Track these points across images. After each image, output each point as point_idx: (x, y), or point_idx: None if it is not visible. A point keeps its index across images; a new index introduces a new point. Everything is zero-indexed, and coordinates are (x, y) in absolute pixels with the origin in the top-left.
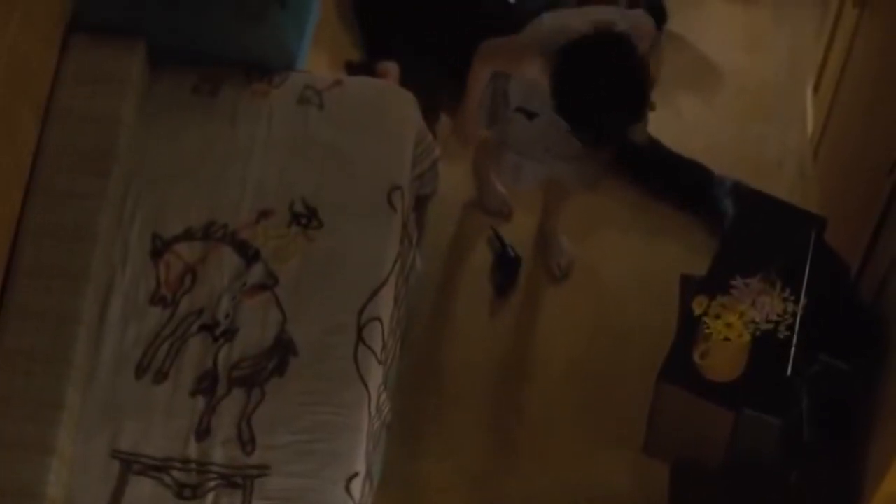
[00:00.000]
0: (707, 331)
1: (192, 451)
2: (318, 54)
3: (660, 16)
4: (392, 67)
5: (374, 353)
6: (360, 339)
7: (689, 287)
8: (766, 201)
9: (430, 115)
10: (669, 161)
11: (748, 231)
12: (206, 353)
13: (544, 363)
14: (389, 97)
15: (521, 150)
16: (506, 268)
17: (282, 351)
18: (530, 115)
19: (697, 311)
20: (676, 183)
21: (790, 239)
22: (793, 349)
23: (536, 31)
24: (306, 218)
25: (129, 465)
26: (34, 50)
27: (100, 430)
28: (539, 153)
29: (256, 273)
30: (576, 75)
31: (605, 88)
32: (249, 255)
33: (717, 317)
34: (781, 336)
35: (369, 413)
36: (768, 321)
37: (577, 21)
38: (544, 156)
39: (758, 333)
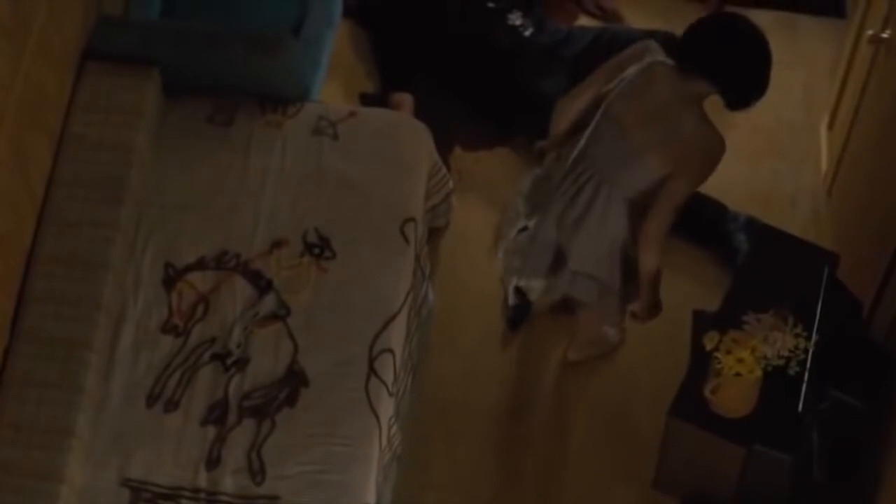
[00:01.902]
0: (718, 366)
1: (202, 480)
2: (333, 85)
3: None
4: (406, 99)
5: (385, 384)
6: (371, 370)
7: (701, 322)
8: (780, 237)
9: (443, 147)
10: None
11: (761, 267)
12: (217, 383)
13: (555, 397)
14: (404, 129)
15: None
16: (518, 302)
17: (293, 381)
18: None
19: (709, 346)
20: (690, 218)
21: (803, 275)
22: (804, 385)
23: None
24: (319, 248)
25: (139, 493)
26: (49, 78)
27: (110, 459)
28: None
29: (269, 303)
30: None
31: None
32: (262, 285)
33: (729, 352)
34: (793, 372)
35: (380, 445)
36: (780, 357)
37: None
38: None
39: (769, 369)
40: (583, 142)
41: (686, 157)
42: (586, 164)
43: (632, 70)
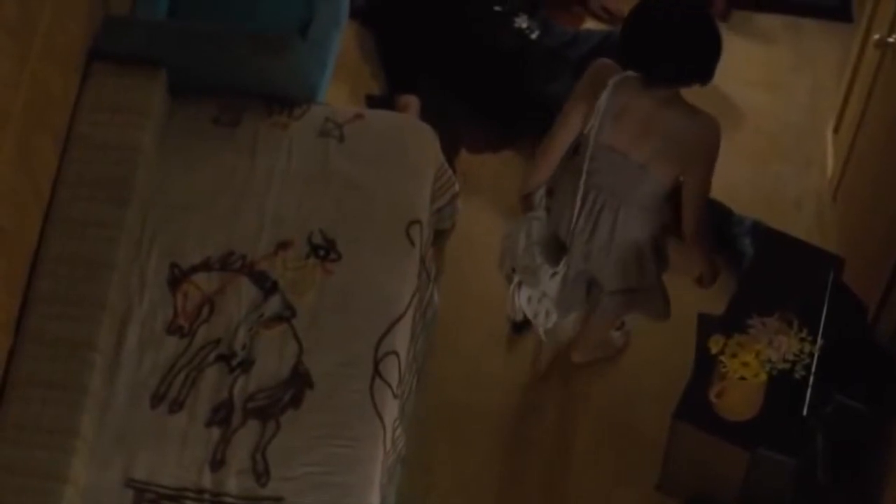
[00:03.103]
0: (723, 369)
1: (207, 481)
2: (339, 87)
3: None
4: (412, 101)
5: (390, 386)
6: (376, 372)
7: (706, 325)
8: (785, 241)
9: (449, 149)
10: None
11: (766, 270)
12: (222, 384)
13: (559, 400)
14: (410, 131)
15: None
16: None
17: (298, 383)
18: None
19: (714, 349)
20: None
21: (808, 279)
22: (809, 389)
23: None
24: (324, 250)
25: (143, 494)
26: (55, 78)
27: (114, 459)
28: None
29: (274, 304)
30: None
31: (679, 21)
32: (267, 286)
33: (734, 356)
34: (798, 376)
35: (384, 446)
36: (784, 361)
37: None
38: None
39: (774, 373)
40: (583, 180)
41: (690, 153)
42: (594, 194)
43: (602, 98)
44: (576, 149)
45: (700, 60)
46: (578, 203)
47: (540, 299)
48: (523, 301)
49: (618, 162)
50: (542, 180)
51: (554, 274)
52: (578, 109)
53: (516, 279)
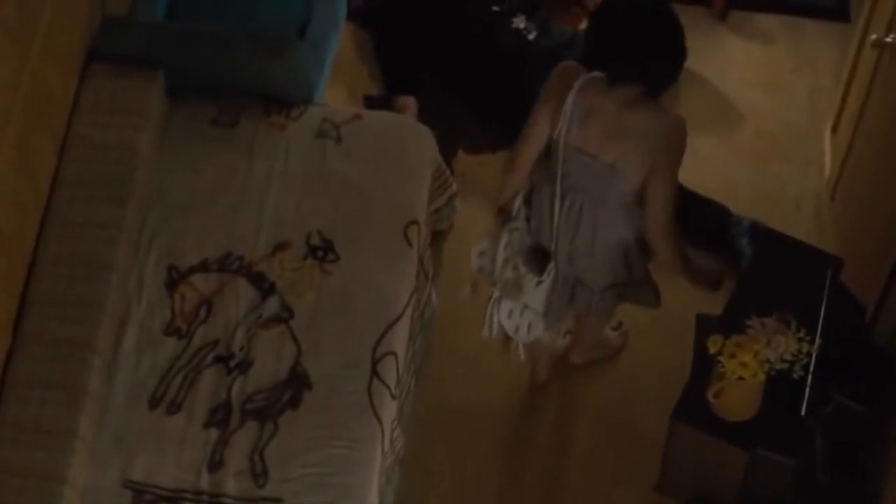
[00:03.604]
0: (722, 370)
1: (205, 482)
2: (337, 88)
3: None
4: (410, 102)
5: (388, 387)
6: (374, 373)
7: (705, 326)
8: (783, 241)
9: (447, 149)
10: (686, 200)
11: (765, 271)
12: (220, 385)
13: (558, 400)
14: (407, 132)
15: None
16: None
17: (296, 384)
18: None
19: (712, 349)
20: (694, 222)
21: (806, 279)
22: (807, 389)
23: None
24: (322, 251)
25: (141, 495)
26: (54, 79)
27: (112, 460)
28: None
29: (272, 305)
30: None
31: (640, 21)
32: (265, 287)
33: (732, 356)
34: (796, 376)
35: (382, 448)
36: (783, 361)
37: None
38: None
39: (772, 373)
40: (558, 184)
41: (657, 151)
42: (571, 197)
43: (568, 101)
44: (547, 152)
45: (660, 60)
46: (557, 206)
47: (522, 312)
48: (503, 316)
49: (588, 163)
50: (518, 186)
51: (539, 282)
52: (546, 113)
53: (495, 295)
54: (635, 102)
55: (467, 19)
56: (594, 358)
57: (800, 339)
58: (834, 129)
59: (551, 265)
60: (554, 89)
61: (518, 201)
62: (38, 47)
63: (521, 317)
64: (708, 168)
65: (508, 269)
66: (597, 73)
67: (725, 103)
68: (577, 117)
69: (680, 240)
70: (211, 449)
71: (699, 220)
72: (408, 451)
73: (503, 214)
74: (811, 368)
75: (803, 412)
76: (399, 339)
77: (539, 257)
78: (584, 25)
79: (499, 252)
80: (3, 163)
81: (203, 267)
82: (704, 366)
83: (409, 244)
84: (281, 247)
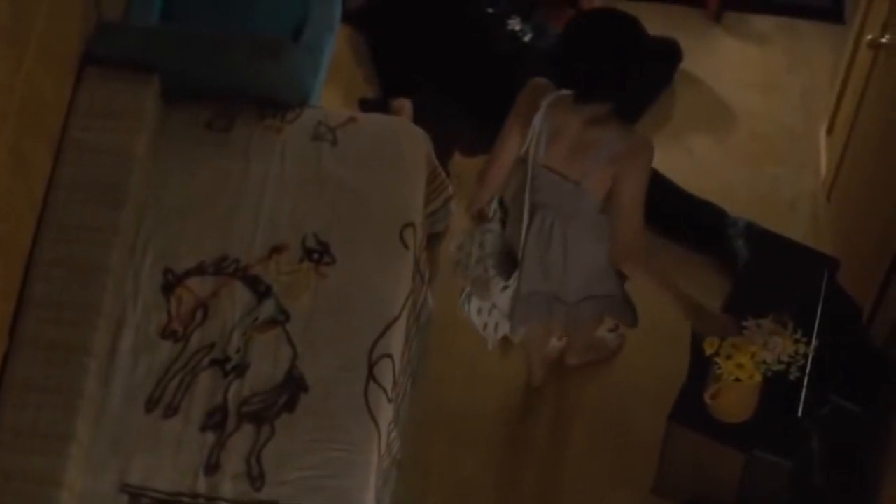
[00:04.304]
0: (718, 371)
1: (202, 485)
2: (332, 90)
3: (675, 55)
4: (406, 104)
5: (384, 390)
6: (370, 376)
7: None
8: (779, 242)
9: (443, 152)
10: (682, 201)
11: (761, 272)
12: (216, 388)
13: (555, 402)
14: (403, 134)
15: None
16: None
17: (292, 387)
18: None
19: (709, 351)
20: (689, 223)
21: (803, 280)
22: (804, 391)
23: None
24: (318, 254)
25: (138, 499)
26: (48, 83)
27: (109, 464)
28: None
29: (268, 308)
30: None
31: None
32: (261, 290)
33: (729, 357)
34: (793, 377)
35: (379, 450)
36: (780, 362)
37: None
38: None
39: (769, 374)
40: (527, 201)
41: (619, 168)
42: (542, 213)
43: (536, 120)
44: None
45: (626, 80)
46: (525, 222)
47: (490, 311)
48: (473, 312)
49: (556, 181)
50: (486, 200)
51: (505, 287)
52: (515, 130)
53: (466, 290)
54: (602, 121)
55: (462, 21)
56: (590, 359)
57: (796, 341)
58: (829, 131)
59: (517, 273)
60: (523, 106)
61: (493, 204)
62: (33, 51)
63: (490, 315)
64: (703, 169)
65: (479, 268)
66: (566, 91)
67: (721, 104)
68: (545, 135)
69: (652, 263)
70: (207, 452)
71: (695, 222)
72: (405, 453)
73: (479, 216)
74: (808, 370)
75: (800, 413)
76: (395, 342)
77: (509, 262)
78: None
79: (473, 250)
80: None
81: (199, 270)
82: (701, 367)
83: (406, 246)
84: (277, 249)
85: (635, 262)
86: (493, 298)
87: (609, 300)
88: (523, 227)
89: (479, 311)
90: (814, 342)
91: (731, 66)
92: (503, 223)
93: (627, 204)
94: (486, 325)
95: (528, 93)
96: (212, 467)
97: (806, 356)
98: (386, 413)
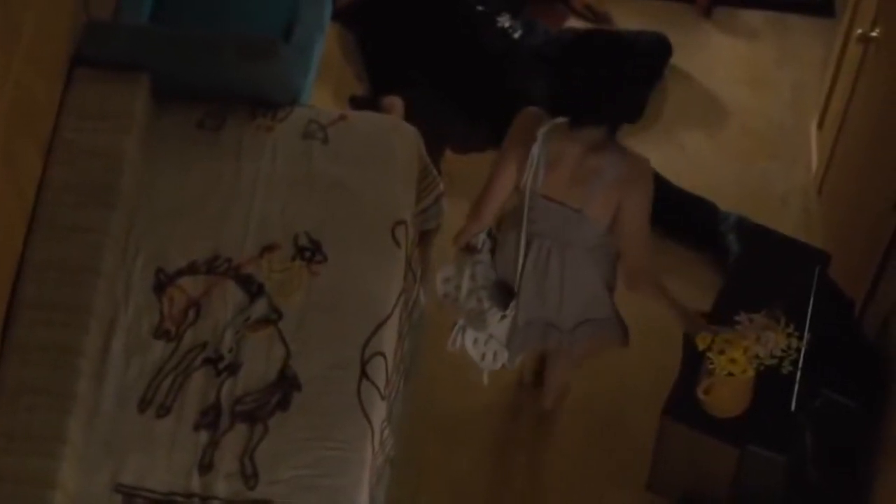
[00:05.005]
0: (711, 366)
1: (195, 485)
2: (323, 89)
3: (664, 50)
4: (396, 102)
5: (377, 388)
6: (363, 374)
7: None
8: (771, 237)
9: (434, 149)
10: (674, 197)
11: (752, 267)
12: (209, 387)
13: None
14: (394, 132)
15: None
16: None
17: (285, 385)
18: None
19: (701, 346)
20: (681, 219)
21: (794, 275)
22: (797, 385)
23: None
24: (310, 252)
25: (132, 499)
26: (38, 84)
27: (102, 464)
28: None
29: (260, 307)
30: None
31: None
32: (253, 289)
33: (721, 352)
34: (785, 372)
35: (372, 448)
36: (772, 357)
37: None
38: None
39: (762, 369)
40: (524, 231)
41: (624, 193)
42: (538, 242)
43: (534, 151)
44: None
45: (620, 105)
46: (522, 253)
47: (487, 341)
48: (469, 343)
49: (555, 209)
50: (479, 231)
51: (503, 317)
52: (511, 162)
53: (460, 323)
54: (600, 146)
55: (452, 18)
56: (562, 399)
57: (789, 335)
58: (820, 125)
59: (514, 302)
60: (517, 137)
61: (482, 235)
62: (22, 53)
63: (486, 346)
64: (694, 165)
65: (472, 300)
66: (560, 120)
67: (711, 100)
68: (542, 165)
69: (661, 285)
70: (201, 451)
71: (687, 218)
72: (398, 451)
73: (467, 249)
74: (800, 364)
75: (793, 408)
76: (388, 340)
77: (503, 292)
78: (569, 23)
79: (463, 282)
80: None
81: (191, 269)
82: (693, 363)
83: (397, 244)
84: (269, 248)
85: (649, 283)
86: (490, 329)
87: (603, 322)
88: (520, 256)
89: (476, 342)
90: (806, 336)
91: (721, 61)
92: (492, 252)
93: (634, 228)
94: (483, 356)
95: (521, 123)
96: (205, 466)
97: (798, 350)
98: (379, 411)
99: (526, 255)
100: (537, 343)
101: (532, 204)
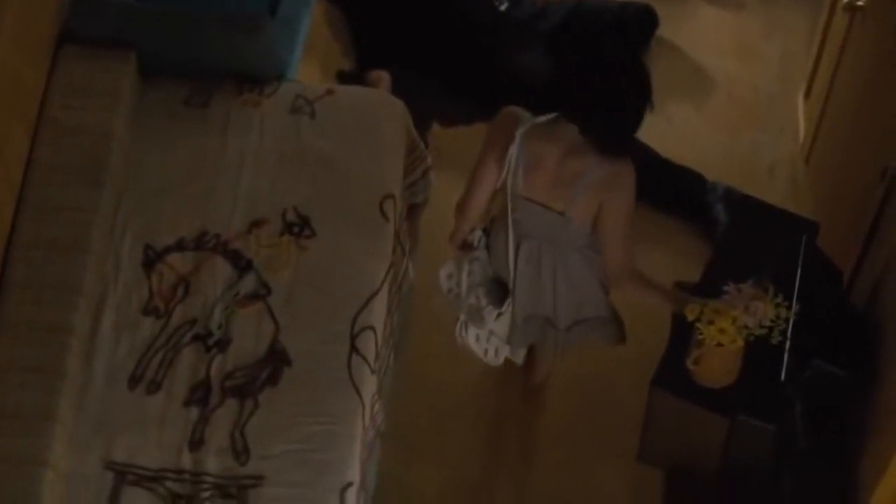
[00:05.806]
0: (700, 337)
1: (186, 461)
2: (310, 64)
3: (651, 22)
4: (384, 76)
5: (367, 362)
6: (353, 348)
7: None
8: (759, 207)
9: (421, 123)
10: (661, 168)
11: (741, 237)
12: (199, 364)
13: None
14: (381, 106)
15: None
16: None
17: (275, 360)
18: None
19: (690, 317)
20: (669, 190)
21: (783, 244)
22: (786, 354)
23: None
24: (299, 227)
25: (124, 476)
26: (25, 63)
27: (93, 442)
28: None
29: (249, 283)
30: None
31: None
32: (242, 264)
33: (711, 322)
34: (774, 341)
35: (363, 422)
36: (761, 327)
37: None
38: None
39: (751, 339)
40: (510, 233)
41: (607, 196)
42: (528, 243)
43: (513, 152)
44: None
45: (630, 113)
46: (512, 255)
47: (488, 338)
48: (471, 339)
49: (538, 212)
50: (467, 231)
51: (499, 315)
52: (490, 160)
53: (461, 319)
54: (581, 148)
55: None
56: (548, 375)
57: (777, 305)
58: (807, 95)
59: (509, 300)
60: (496, 136)
61: (477, 232)
62: (8, 32)
63: (489, 342)
64: (682, 136)
65: (472, 297)
66: (540, 119)
67: (698, 71)
68: (521, 166)
69: (644, 278)
70: (192, 427)
71: (674, 189)
72: (389, 425)
73: (464, 246)
74: (789, 334)
75: (782, 377)
76: (377, 314)
77: (499, 289)
78: None
79: (462, 280)
80: None
81: (179, 246)
82: (683, 333)
83: (385, 218)
84: (257, 224)
85: (632, 283)
86: (489, 325)
87: (598, 321)
88: (510, 257)
89: (478, 338)
90: (795, 306)
91: (707, 32)
92: (489, 249)
93: (617, 230)
94: (486, 352)
95: (500, 123)
96: (196, 443)
97: (787, 320)
98: (369, 385)
99: (517, 255)
100: (537, 338)
101: (515, 206)
